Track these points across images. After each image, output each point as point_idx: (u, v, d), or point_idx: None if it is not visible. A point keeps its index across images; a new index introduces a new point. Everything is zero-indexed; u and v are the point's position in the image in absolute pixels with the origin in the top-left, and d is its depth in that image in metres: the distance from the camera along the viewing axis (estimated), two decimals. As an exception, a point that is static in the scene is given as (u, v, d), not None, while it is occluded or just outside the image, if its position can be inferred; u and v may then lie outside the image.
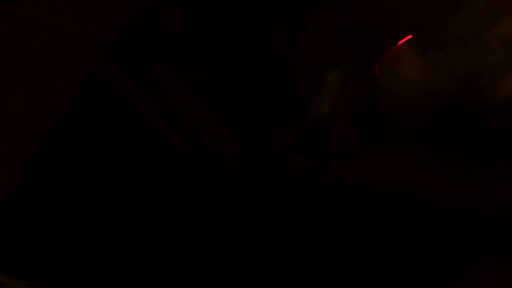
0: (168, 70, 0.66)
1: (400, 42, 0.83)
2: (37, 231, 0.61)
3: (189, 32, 0.75)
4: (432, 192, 0.87)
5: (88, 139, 0.57)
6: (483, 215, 0.84)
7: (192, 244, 0.71)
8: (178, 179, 0.71)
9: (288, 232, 0.82)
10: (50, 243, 0.63)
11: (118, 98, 0.61)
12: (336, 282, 0.89)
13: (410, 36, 0.83)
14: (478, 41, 0.82)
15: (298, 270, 0.84)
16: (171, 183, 0.70)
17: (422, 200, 0.87)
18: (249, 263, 0.76)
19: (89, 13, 0.45)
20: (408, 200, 0.87)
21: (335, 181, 0.86)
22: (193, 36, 0.76)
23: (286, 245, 0.82)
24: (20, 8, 0.42)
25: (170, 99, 0.66)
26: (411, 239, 0.88)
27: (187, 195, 0.71)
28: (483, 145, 0.84)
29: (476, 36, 0.82)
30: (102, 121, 0.61)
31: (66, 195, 0.61)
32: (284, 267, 0.81)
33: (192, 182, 0.72)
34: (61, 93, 0.45)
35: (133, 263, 0.67)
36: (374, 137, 0.88)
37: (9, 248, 0.60)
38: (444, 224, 0.88)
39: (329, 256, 0.89)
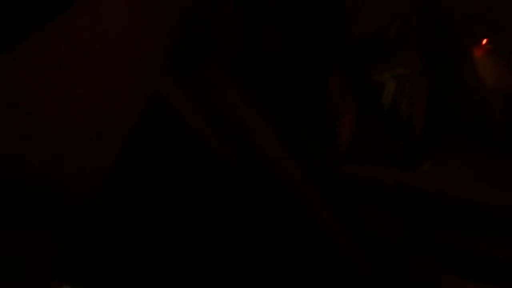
0: (221, 71, 0.61)
1: (478, 44, 0.76)
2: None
3: (244, 29, 0.71)
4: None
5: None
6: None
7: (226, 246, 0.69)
8: (221, 184, 0.67)
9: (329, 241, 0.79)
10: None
11: (167, 104, 0.58)
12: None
13: (486, 39, 0.76)
14: None
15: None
16: (214, 188, 0.67)
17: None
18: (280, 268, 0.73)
19: (150, 21, 0.40)
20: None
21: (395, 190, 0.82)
22: (248, 33, 0.72)
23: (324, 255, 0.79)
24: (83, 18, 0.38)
25: (221, 102, 0.62)
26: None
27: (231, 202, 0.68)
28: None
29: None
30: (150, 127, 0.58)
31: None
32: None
33: (237, 188, 0.68)
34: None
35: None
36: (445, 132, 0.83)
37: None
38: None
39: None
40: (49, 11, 0.39)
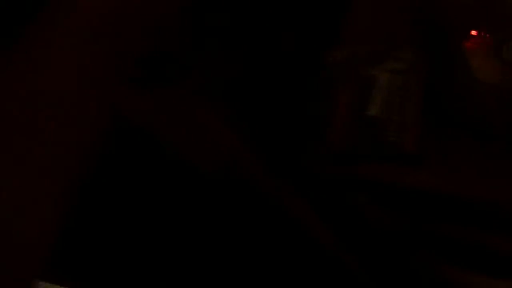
0: (185, 88, 0.61)
1: (472, 38, 0.74)
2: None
3: (203, 47, 0.70)
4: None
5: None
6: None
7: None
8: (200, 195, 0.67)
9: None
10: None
11: (132, 120, 0.57)
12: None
13: (482, 32, 0.74)
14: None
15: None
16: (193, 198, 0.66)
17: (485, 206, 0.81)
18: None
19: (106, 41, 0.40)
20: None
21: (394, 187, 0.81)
22: (207, 51, 0.70)
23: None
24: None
25: (189, 117, 0.62)
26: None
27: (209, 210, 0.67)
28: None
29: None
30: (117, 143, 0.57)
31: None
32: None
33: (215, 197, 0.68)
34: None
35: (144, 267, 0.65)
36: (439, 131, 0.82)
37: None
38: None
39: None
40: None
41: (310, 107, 0.82)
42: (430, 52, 0.82)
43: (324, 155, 0.81)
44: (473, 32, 0.76)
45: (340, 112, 0.84)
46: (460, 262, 0.88)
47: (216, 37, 0.72)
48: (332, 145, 0.82)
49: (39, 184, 0.37)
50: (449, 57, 0.79)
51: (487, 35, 0.75)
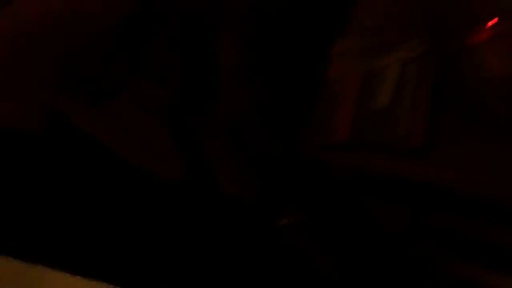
0: (127, 103, 0.62)
1: (480, 29, 0.73)
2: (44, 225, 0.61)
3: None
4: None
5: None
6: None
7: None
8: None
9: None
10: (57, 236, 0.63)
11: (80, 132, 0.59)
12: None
13: (491, 23, 0.73)
14: None
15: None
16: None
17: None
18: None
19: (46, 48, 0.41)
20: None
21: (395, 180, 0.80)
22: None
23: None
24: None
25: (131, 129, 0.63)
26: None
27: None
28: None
29: None
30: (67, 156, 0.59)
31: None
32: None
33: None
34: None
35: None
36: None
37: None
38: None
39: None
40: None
41: (315, 98, 0.83)
42: (439, 44, 0.81)
43: (327, 144, 0.81)
44: (481, 25, 0.75)
45: (347, 102, 0.84)
46: (465, 256, 0.87)
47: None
48: (338, 134, 0.82)
49: None
50: (456, 49, 0.78)
51: (494, 27, 0.74)
